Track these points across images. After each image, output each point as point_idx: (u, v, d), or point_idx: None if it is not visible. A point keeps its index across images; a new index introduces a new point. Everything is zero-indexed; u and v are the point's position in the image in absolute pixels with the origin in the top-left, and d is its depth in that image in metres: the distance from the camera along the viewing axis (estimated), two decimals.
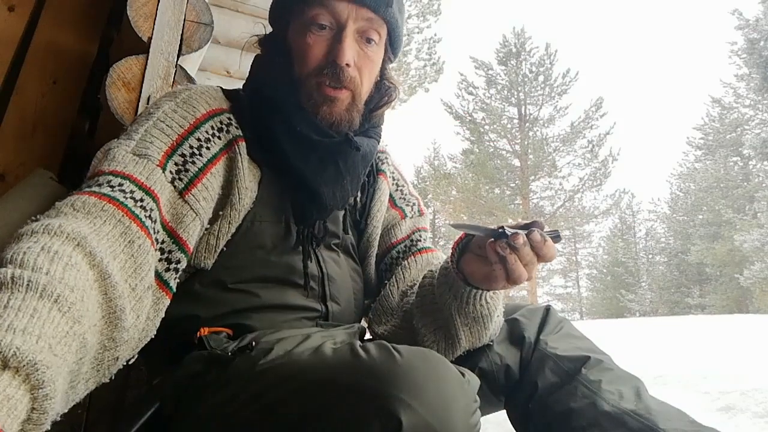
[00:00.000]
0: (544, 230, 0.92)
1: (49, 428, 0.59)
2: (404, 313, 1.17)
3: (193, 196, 0.97)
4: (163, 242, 0.93)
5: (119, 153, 0.93)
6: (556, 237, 0.93)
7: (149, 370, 1.22)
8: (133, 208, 0.86)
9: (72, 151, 2.00)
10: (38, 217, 0.78)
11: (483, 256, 0.95)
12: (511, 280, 0.91)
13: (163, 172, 0.95)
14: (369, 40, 1.10)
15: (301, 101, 1.08)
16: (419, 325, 1.10)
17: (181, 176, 0.97)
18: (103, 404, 1.33)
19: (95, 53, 2.13)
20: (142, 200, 0.89)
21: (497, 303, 1.05)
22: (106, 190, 0.86)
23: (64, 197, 0.84)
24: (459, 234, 1.03)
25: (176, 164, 0.98)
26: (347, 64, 1.06)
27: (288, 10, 1.13)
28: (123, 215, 0.84)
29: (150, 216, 0.89)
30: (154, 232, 0.90)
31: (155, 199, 0.91)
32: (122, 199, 0.86)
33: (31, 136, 1.93)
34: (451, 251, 1.05)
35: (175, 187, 0.96)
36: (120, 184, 0.88)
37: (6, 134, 1.91)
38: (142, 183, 0.91)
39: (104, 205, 0.83)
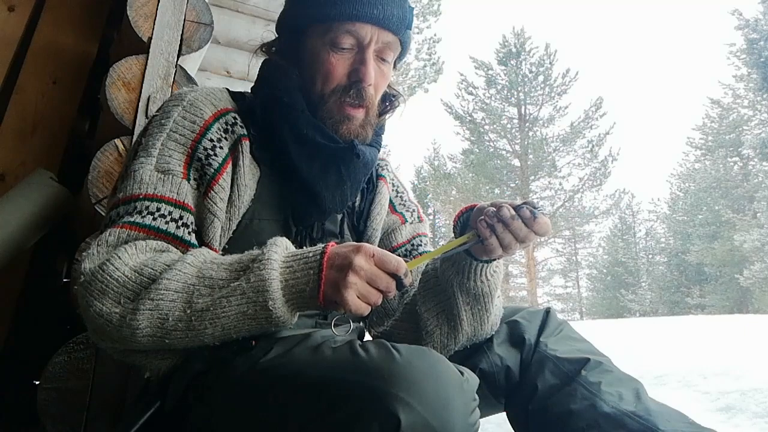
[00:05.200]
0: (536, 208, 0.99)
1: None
2: (405, 306, 1.19)
3: (210, 198, 1.02)
4: (200, 246, 1.01)
5: (145, 173, 1.00)
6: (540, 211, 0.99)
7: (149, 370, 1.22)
8: (175, 232, 0.97)
9: (72, 151, 2.00)
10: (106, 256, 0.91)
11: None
12: (504, 246, 0.98)
13: (189, 182, 1.02)
14: (384, 60, 1.14)
15: (318, 115, 1.11)
16: (422, 310, 1.12)
17: (202, 180, 1.03)
18: (103, 404, 1.34)
19: (95, 53, 2.13)
20: (181, 217, 0.99)
21: (497, 281, 1.09)
22: (148, 220, 0.95)
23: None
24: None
25: (196, 170, 1.03)
26: (369, 84, 1.10)
27: (306, 24, 1.14)
28: (167, 245, 0.96)
29: (193, 229, 1.00)
30: (196, 239, 1.01)
31: (191, 211, 1.01)
32: (165, 227, 0.96)
33: (31, 136, 1.93)
34: (452, 226, 1.11)
35: (199, 191, 1.03)
36: (158, 209, 0.97)
37: (6, 134, 1.91)
38: (176, 200, 0.99)
39: (154, 244, 0.94)
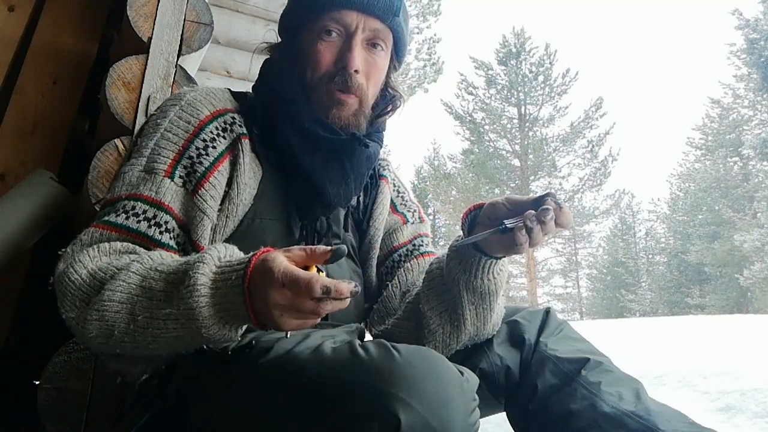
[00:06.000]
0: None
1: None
2: (407, 305, 1.18)
3: (200, 196, 1.01)
4: (185, 243, 1.01)
5: (133, 175, 1.00)
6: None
7: (121, 375, 1.23)
8: (146, 231, 0.96)
9: (72, 151, 2.00)
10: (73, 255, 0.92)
11: (492, 226, 0.97)
12: (533, 243, 0.95)
13: (172, 180, 1.00)
14: (375, 47, 1.14)
15: (311, 104, 1.12)
16: (425, 308, 1.11)
17: (191, 177, 1.02)
18: (103, 404, 1.34)
19: (95, 53, 2.13)
20: (155, 216, 0.97)
21: (502, 280, 1.08)
22: (121, 219, 0.95)
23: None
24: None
25: (185, 167, 1.02)
26: (356, 71, 1.10)
27: (298, 19, 1.17)
28: (135, 246, 0.94)
29: (167, 228, 0.98)
30: (172, 238, 0.99)
31: (167, 210, 0.98)
32: (135, 226, 0.95)
33: (31, 136, 1.93)
34: (461, 223, 1.09)
35: (186, 189, 1.01)
36: (133, 207, 0.97)
37: (6, 134, 1.91)
38: (153, 199, 0.98)
39: (119, 246, 0.93)
